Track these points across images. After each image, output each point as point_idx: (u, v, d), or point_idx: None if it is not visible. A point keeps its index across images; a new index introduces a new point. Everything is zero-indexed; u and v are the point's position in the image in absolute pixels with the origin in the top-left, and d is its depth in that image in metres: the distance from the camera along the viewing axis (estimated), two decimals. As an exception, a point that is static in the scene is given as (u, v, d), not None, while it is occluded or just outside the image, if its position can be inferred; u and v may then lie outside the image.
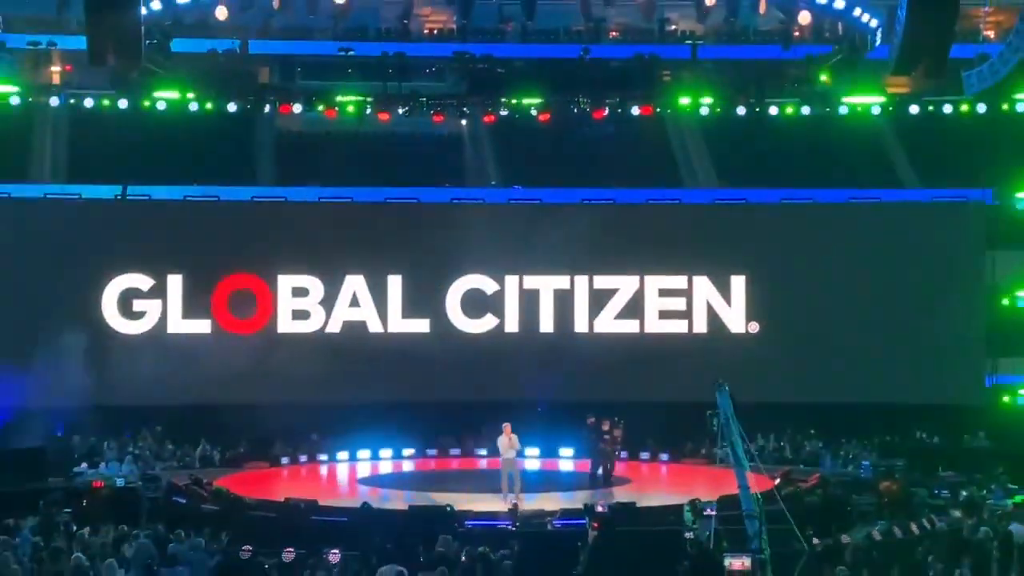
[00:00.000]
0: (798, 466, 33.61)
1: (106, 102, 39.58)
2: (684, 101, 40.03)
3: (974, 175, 39.31)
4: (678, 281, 38.82)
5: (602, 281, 38.74)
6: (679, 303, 38.92)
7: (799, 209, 39.29)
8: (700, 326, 38.83)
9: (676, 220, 39.41)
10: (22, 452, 32.43)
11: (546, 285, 38.74)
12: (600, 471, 32.26)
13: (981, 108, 40.46)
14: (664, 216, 39.42)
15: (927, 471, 33.82)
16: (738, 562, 18.57)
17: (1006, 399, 38.09)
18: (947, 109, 41.58)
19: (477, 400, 35.92)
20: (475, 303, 38.48)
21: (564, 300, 38.81)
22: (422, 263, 38.03)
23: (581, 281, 38.73)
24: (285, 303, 38.06)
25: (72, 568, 21.71)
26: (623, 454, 33.99)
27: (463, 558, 22.30)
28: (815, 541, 23.60)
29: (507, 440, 29.76)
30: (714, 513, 23.10)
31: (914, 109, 41.83)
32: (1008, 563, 22.32)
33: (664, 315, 38.87)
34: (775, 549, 20.02)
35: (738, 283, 38.60)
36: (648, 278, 38.72)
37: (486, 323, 38.49)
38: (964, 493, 31.41)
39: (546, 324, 38.70)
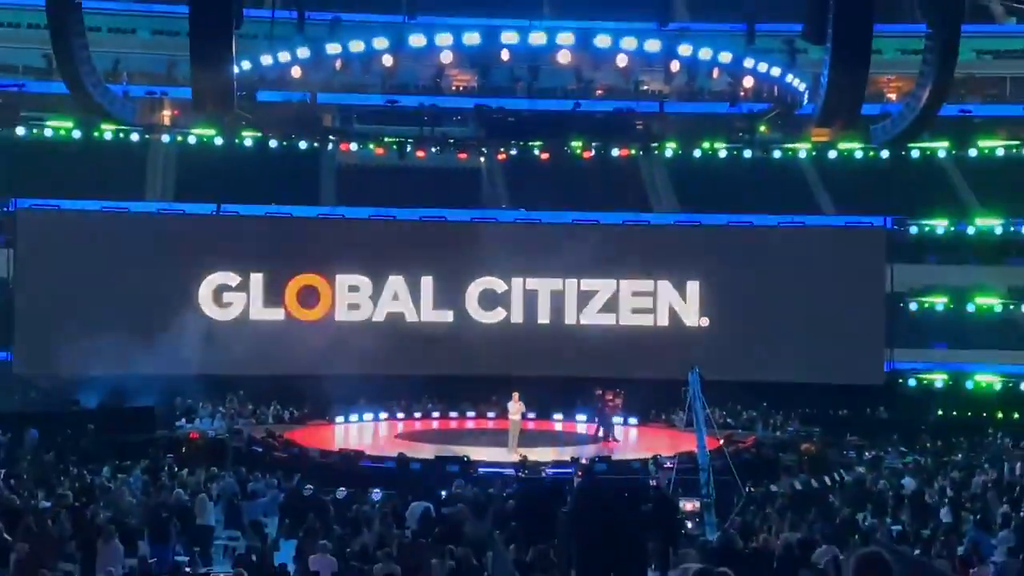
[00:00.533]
0: (737, 431, 33.58)
1: (205, 139, 39.86)
2: (653, 145, 40.09)
3: (878, 205, 39.33)
4: (646, 285, 38.79)
5: (587, 284, 38.70)
6: (647, 302, 38.90)
7: (741, 230, 39.25)
8: (662, 320, 38.80)
9: (645, 237, 39.39)
10: (136, 409, 32.54)
11: (543, 286, 38.71)
12: (603, 430, 32.44)
13: (884, 153, 40.48)
14: (636, 234, 39.41)
15: (838, 436, 33.85)
16: (690, 504, 18.64)
17: (901, 381, 38.03)
18: (858, 154, 41.64)
19: (488, 375, 35.91)
20: (488, 299, 38.49)
21: (557, 298, 38.81)
22: (447, 267, 38.01)
23: (571, 284, 38.71)
24: (342, 297, 38.06)
25: (173, 501, 21.76)
26: (622, 417, 34.00)
27: (476, 498, 22.36)
28: (751, 489, 23.68)
29: (515, 405, 29.85)
30: (672, 466, 23.15)
31: (832, 154, 41.89)
32: (900, 508, 22.36)
33: (635, 311, 38.86)
34: (719, 494, 20.06)
35: (693, 287, 38.60)
36: (622, 282, 38.70)
37: (496, 315, 38.45)
38: (867, 454, 31.46)
39: (543, 317, 38.67)
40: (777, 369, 36.61)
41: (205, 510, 21.35)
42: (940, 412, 36.73)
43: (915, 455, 31.62)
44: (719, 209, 39.57)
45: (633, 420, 35.68)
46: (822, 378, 35.97)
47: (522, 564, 14.58)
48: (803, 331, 37.29)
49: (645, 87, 43.00)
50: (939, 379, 37.93)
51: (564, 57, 31.42)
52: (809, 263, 37.69)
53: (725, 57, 29.75)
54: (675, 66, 31.03)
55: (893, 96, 41.19)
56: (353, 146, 40.33)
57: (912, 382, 38.07)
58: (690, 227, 39.83)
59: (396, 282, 38.18)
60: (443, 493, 23.38)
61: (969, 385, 37.59)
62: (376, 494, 23.50)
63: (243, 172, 38.94)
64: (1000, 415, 36.18)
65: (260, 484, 24.36)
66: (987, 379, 37.68)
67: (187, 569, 17.17)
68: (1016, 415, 36.04)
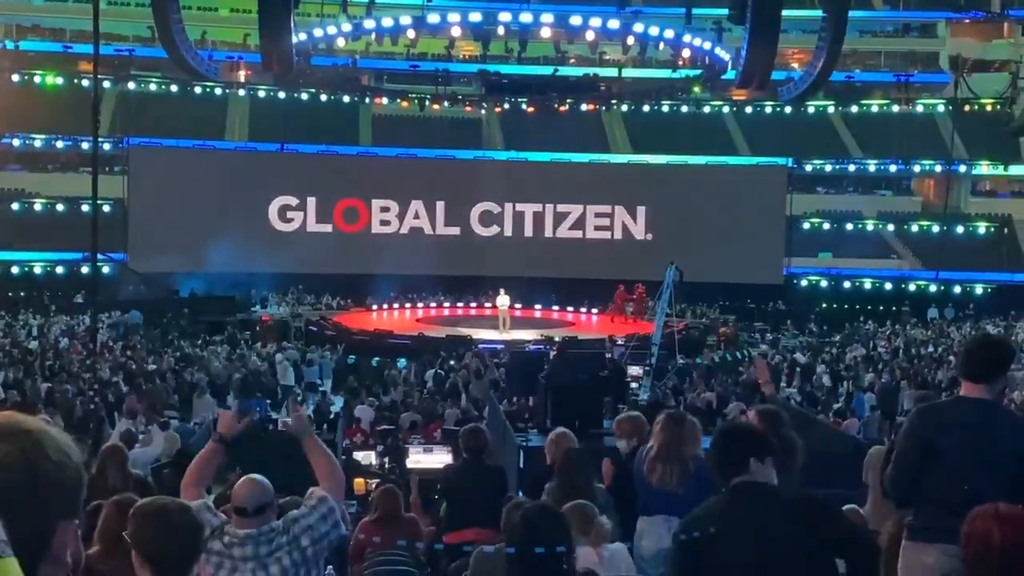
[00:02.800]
0: (672, 318, 33.65)
1: (272, 93, 39.46)
2: (613, 102, 39.72)
3: (782, 149, 39.19)
4: (605, 208, 38.72)
5: (561, 207, 38.60)
6: (606, 221, 38.89)
7: (679, 168, 39.11)
8: (618, 235, 38.83)
9: (606, 173, 39.23)
10: (221, 298, 32.62)
11: (528, 209, 38.60)
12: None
13: (788, 109, 40.22)
14: (599, 171, 39.24)
15: (747, 323, 34.09)
16: (635, 370, 18.78)
17: (795, 281, 38.22)
18: (768, 109, 41.35)
19: (486, 275, 35.97)
20: (486, 218, 38.39)
21: (539, 218, 38.75)
22: (456, 194, 37.81)
23: (549, 207, 38.61)
24: (376, 216, 37.94)
25: (250, 365, 21.94)
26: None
27: (477, 365, 22.56)
28: (682, 361, 23.89)
29: (502, 298, 29.96)
30: (623, 343, 23.33)
31: (748, 108, 41.58)
32: (792, 376, 22.59)
33: (597, 228, 38.88)
34: (657, 364, 20.19)
35: (641, 210, 38.58)
36: (588, 207, 38.63)
37: (492, 230, 38.41)
38: (768, 336, 31.71)
39: (528, 232, 38.65)
40: (703, 272, 36.62)
41: (286, 373, 21.51)
42: (824, 305, 36.97)
43: (804, 337, 31.89)
44: (663, 152, 39.39)
45: (595, 311, 35.89)
46: (736, 278, 36.08)
47: (510, 414, 14.75)
48: (723, 243, 37.35)
49: (607, 56, 42.47)
50: (824, 280, 38.13)
51: (546, 32, 31.02)
52: (729, 192, 37.61)
53: (669, 34, 29.34)
54: (630, 40, 30.60)
55: (796, 65, 40.72)
56: (384, 100, 39.87)
57: (804, 282, 38.27)
58: (640, 166, 39.65)
59: (417, 205, 38.02)
60: (452, 362, 23.66)
61: (846, 285, 37.80)
62: (401, 362, 23.69)
63: (301, 119, 38.53)
64: (869, 307, 36.47)
65: (315, 355, 24.54)
66: (860, 281, 37.89)
67: (263, 414, 17.34)
68: (881, 307, 36.31)
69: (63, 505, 1.70)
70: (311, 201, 37.18)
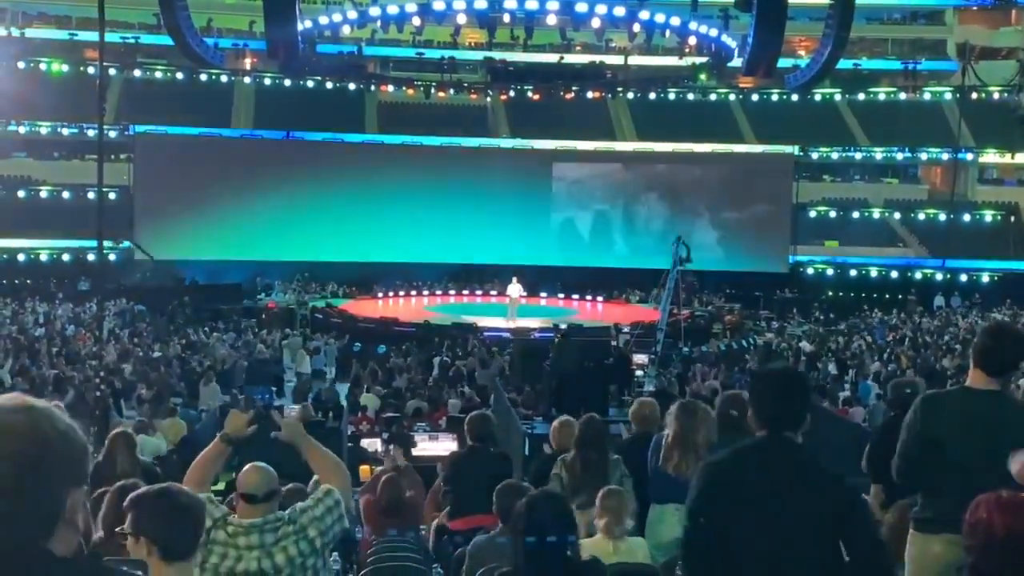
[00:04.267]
0: (677, 306, 33.62)
1: (278, 80, 39.45)
2: (618, 89, 39.59)
3: (788, 136, 39.06)
4: (611, 196, 38.80)
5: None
6: (611, 209, 38.94)
7: (685, 155, 39.04)
8: (624, 223, 38.86)
9: (611, 161, 39.18)
10: (226, 285, 32.68)
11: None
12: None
13: (794, 97, 40.07)
14: (605, 158, 39.20)
15: (753, 311, 34.06)
16: (640, 358, 18.77)
17: (801, 269, 38.15)
18: (775, 97, 41.22)
19: (493, 264, 35.93)
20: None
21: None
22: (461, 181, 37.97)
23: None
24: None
25: (257, 352, 21.99)
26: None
27: (482, 353, 22.58)
28: (686, 349, 23.89)
29: (514, 287, 29.93)
30: (628, 331, 23.33)
31: (755, 96, 41.46)
32: (798, 362, 22.54)
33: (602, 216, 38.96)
34: (663, 352, 20.19)
35: (647, 199, 38.60)
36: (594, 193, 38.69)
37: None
38: (774, 324, 31.68)
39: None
40: (708, 260, 36.71)
41: (303, 361, 21.52)
42: (830, 293, 36.91)
43: (810, 325, 31.84)
44: (669, 139, 39.29)
45: (600, 298, 35.88)
46: (742, 266, 36.07)
47: (515, 402, 14.78)
48: (729, 231, 37.33)
49: (613, 44, 42.33)
50: (830, 268, 38.06)
51: (551, 20, 30.90)
52: (735, 180, 37.57)
53: (675, 21, 29.17)
54: (636, 27, 30.46)
55: (803, 52, 40.52)
56: (390, 87, 39.77)
57: (810, 271, 38.20)
58: (646, 153, 39.56)
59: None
60: (458, 350, 23.69)
61: (853, 273, 37.72)
62: (381, 348, 23.67)
63: (306, 106, 38.49)
64: (875, 295, 36.40)
65: (320, 342, 24.57)
66: (866, 269, 37.81)
67: (267, 402, 17.37)
68: (887, 296, 36.23)
69: (72, 471, 1.86)
70: (316, 188, 37.08)
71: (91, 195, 29.43)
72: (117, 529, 3.10)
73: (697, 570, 3.29)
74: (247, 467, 4.14)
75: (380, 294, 35.58)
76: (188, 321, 27.88)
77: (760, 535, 3.14)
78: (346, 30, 31.81)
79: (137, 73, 39.15)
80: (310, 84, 39.05)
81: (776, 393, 3.37)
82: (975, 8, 44.97)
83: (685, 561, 3.36)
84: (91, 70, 35.99)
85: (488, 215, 38.23)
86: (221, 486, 7.09)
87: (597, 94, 40.05)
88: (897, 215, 40.46)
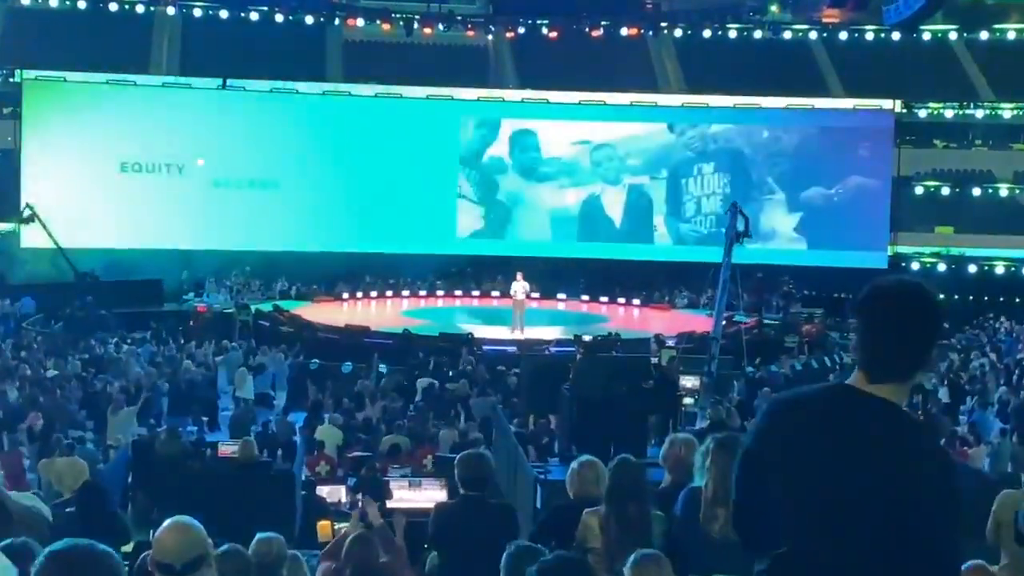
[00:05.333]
0: (739, 311, 33.63)
1: (211, 11, 39.52)
2: (662, 24, 39.62)
3: (887, 88, 39.00)
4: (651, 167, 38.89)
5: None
6: (651, 183, 39.09)
7: (749, 112, 39.00)
8: (667, 202, 39.01)
9: (653, 119, 39.30)
10: (143, 282, 32.66)
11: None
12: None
13: (895, 36, 39.98)
14: (643, 116, 39.29)
15: (839, 318, 33.92)
16: (689, 380, 18.75)
17: (903, 264, 38.01)
18: (869, 36, 41.17)
19: (493, 255, 36.01)
20: (495, 178, 38.51)
21: (564, 178, 38.95)
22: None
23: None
24: (348, 174, 38.08)
25: (183, 370, 22.00)
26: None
27: (481, 374, 22.58)
28: (750, 369, 23.86)
29: (518, 284, 29.89)
30: (673, 344, 23.30)
31: (843, 35, 41.40)
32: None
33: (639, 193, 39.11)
34: (721, 371, 20.19)
35: (700, 170, 38.63)
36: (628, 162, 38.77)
37: (503, 196, 38.52)
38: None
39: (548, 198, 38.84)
40: (782, 253, 36.69)
41: (244, 383, 21.54)
42: (942, 296, 36.73)
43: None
44: (728, 91, 39.23)
45: (636, 300, 35.92)
46: (825, 260, 36.01)
47: (524, 437, 14.77)
48: (807, 213, 37.29)
49: (655, -36, 42.40)
50: (941, 263, 37.94)
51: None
52: (816, 146, 37.54)
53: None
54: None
55: (907, -23, 40.51)
56: (360, 21, 39.84)
57: (915, 265, 38.08)
58: (697, 108, 39.53)
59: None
60: (448, 369, 23.66)
61: (972, 269, 37.60)
62: (382, 369, 23.72)
63: (249, 46, 38.50)
64: (1001, 299, 36.28)
65: (267, 358, 24.59)
66: (989, 264, 37.68)
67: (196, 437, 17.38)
68: (1017, 300, 36.12)
69: None
70: (263, 155, 37.12)
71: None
72: None
73: (752, 533, 3.28)
74: (166, 524, 4.09)
75: (345, 295, 35.56)
76: (92, 329, 27.90)
77: (826, 506, 3.12)
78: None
79: (25, 2, 39.16)
80: (254, 17, 39.06)
81: (880, 322, 3.17)
82: None
83: (736, 519, 3.36)
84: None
85: (486, 190, 38.24)
86: (129, 547, 7.07)
87: (633, 31, 40.06)
88: (1031, 192, 40.40)
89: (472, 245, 38.35)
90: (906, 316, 3.12)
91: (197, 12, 40.12)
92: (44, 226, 32.50)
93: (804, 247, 37.18)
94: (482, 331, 28.80)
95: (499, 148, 39.21)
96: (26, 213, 32.15)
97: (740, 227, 20.57)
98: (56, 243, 32.50)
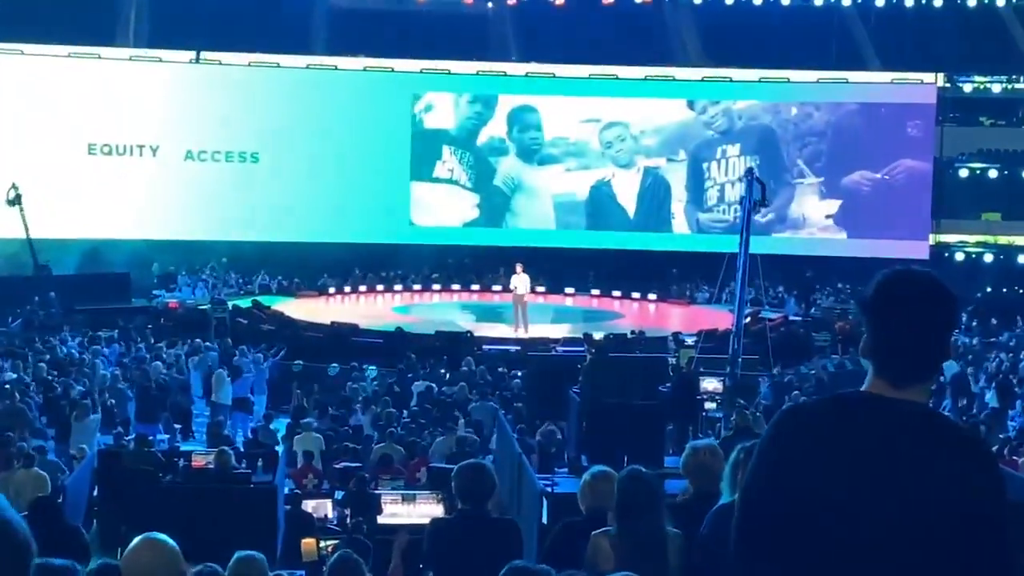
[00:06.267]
0: (764, 307, 33.62)
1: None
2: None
3: (928, 60, 38.92)
4: (668, 148, 38.93)
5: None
6: (669, 165, 39.07)
7: (776, 87, 38.94)
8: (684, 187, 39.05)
9: (668, 94, 39.27)
10: (110, 276, 32.62)
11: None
12: None
13: (937, 2, 39.92)
14: (658, 91, 39.24)
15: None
16: (711, 383, 18.75)
17: (947, 255, 37.96)
18: (909, 2, 41.08)
19: (494, 245, 36.03)
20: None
21: (572, 160, 39.00)
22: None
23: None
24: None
25: (154, 373, 22.00)
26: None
27: (481, 377, 22.58)
28: (777, 371, 23.84)
29: (519, 279, 29.86)
30: (693, 343, 23.29)
31: (879, 1, 41.31)
32: (942, 391, 22.45)
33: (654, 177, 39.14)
34: (744, 372, 20.19)
35: (724, 151, 38.65)
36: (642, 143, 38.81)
37: (502, 179, 38.55)
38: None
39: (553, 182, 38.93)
40: (809, 242, 36.68)
41: (221, 386, 21.51)
42: (989, 289, 36.78)
43: (961, 335, 31.72)
44: (752, 64, 39.19)
45: (652, 295, 35.93)
46: (860, 250, 35.95)
47: (528, 445, 14.78)
48: (840, 198, 37.25)
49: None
50: (989, 253, 37.90)
51: None
52: (850, 124, 37.48)
53: None
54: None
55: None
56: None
57: (959, 256, 38.05)
58: (719, 83, 39.48)
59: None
60: (444, 371, 23.65)
61: (1022, 260, 37.55)
62: (371, 371, 23.72)
63: (225, 15, 38.46)
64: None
65: (246, 359, 24.57)
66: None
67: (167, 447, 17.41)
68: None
69: None
70: (240, 134, 37.11)
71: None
72: None
73: (751, 552, 3.17)
74: (136, 542, 4.10)
75: (332, 289, 35.58)
76: (54, 328, 27.91)
77: (844, 525, 3.02)
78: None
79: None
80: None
81: (897, 318, 3.06)
82: None
83: (737, 537, 3.23)
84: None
85: (482, 173, 38.19)
86: (92, 567, 7.08)
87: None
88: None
89: (467, 235, 38.29)
90: (926, 308, 3.05)
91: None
92: (22, 211, 32.40)
93: (839, 236, 37.10)
94: (482, 329, 28.82)
95: (496, 127, 39.12)
96: (11, 195, 31.98)
97: (757, 196, 20.43)
98: (27, 231, 32.42)
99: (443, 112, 38.82)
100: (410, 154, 38.30)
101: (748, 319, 27.63)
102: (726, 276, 22.64)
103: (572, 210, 38.75)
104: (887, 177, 37.10)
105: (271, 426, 18.38)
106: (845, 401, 3.09)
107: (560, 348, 25.82)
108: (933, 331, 3.06)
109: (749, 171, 21.02)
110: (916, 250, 37.23)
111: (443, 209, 38.43)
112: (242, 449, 16.11)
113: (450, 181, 38.79)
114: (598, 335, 25.60)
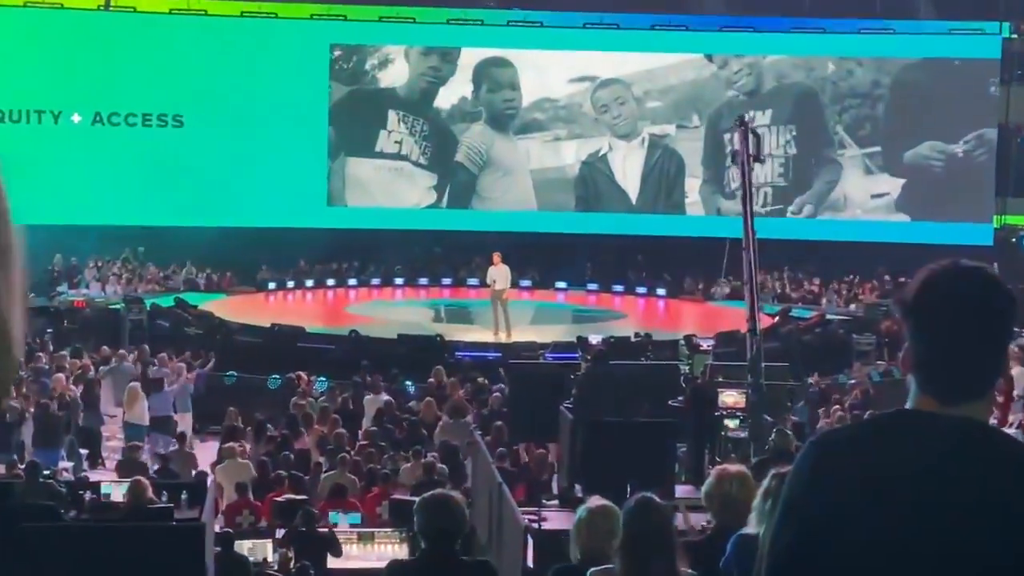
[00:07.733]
0: (796, 304, 33.71)
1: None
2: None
3: (991, 7, 38.98)
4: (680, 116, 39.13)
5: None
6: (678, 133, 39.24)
7: (808, 39, 38.98)
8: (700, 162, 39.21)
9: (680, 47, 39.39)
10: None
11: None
12: None
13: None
14: (671, 45, 39.33)
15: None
16: (732, 395, 18.68)
17: (1014, 240, 38.05)
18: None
19: (469, 229, 36.14)
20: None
21: (563, 128, 39.11)
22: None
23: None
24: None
25: (54, 387, 21.91)
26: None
27: (453, 389, 22.54)
28: (812, 380, 23.86)
29: (497, 271, 29.59)
30: (710, 347, 23.30)
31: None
32: (1009, 401, 22.46)
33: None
34: (770, 382, 20.15)
35: (751, 119, 38.68)
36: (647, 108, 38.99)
37: (481, 150, 38.70)
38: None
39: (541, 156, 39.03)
40: (845, 226, 36.80)
41: (136, 403, 21.43)
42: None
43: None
44: (781, 14, 39.25)
45: (660, 292, 35.98)
46: (910, 235, 36.00)
47: (510, 474, 14.74)
48: (886, 174, 37.35)
49: None
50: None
51: None
52: (898, 87, 37.56)
53: None
54: None
55: None
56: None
57: (1031, 243, 38.23)
58: (742, 36, 39.45)
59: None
60: (408, 383, 23.61)
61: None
62: (321, 383, 23.68)
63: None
64: None
65: (166, 370, 24.48)
66: None
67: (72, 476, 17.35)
68: None
69: None
70: (158, 91, 36.95)
71: None
72: None
73: None
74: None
75: (272, 284, 35.52)
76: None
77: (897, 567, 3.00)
78: None
79: None
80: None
81: (940, 323, 3.01)
82: None
83: None
84: None
85: (439, 148, 38.12)
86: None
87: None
88: None
89: (429, 218, 38.12)
90: (977, 311, 2.99)
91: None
92: None
93: (893, 218, 37.15)
94: (454, 332, 28.77)
95: (459, 87, 39.07)
96: None
97: (753, 151, 20.24)
98: None
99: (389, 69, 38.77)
100: (346, 122, 38.22)
101: (776, 318, 27.67)
102: (730, 265, 22.39)
103: (558, 188, 38.61)
104: (960, 153, 37.14)
105: (193, 451, 18.32)
106: (884, 424, 3.05)
107: (549, 355, 25.83)
108: (987, 340, 3.00)
109: (740, 119, 20.73)
110: (978, 235, 37.35)
111: (388, 191, 38.46)
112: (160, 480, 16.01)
113: (397, 156, 38.63)
114: (595, 339, 25.59)
